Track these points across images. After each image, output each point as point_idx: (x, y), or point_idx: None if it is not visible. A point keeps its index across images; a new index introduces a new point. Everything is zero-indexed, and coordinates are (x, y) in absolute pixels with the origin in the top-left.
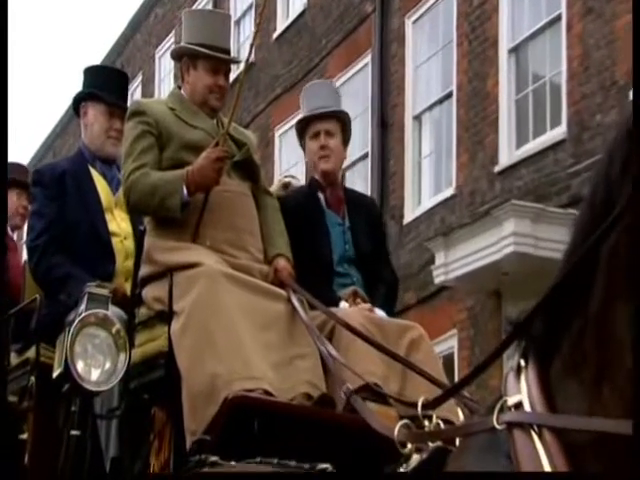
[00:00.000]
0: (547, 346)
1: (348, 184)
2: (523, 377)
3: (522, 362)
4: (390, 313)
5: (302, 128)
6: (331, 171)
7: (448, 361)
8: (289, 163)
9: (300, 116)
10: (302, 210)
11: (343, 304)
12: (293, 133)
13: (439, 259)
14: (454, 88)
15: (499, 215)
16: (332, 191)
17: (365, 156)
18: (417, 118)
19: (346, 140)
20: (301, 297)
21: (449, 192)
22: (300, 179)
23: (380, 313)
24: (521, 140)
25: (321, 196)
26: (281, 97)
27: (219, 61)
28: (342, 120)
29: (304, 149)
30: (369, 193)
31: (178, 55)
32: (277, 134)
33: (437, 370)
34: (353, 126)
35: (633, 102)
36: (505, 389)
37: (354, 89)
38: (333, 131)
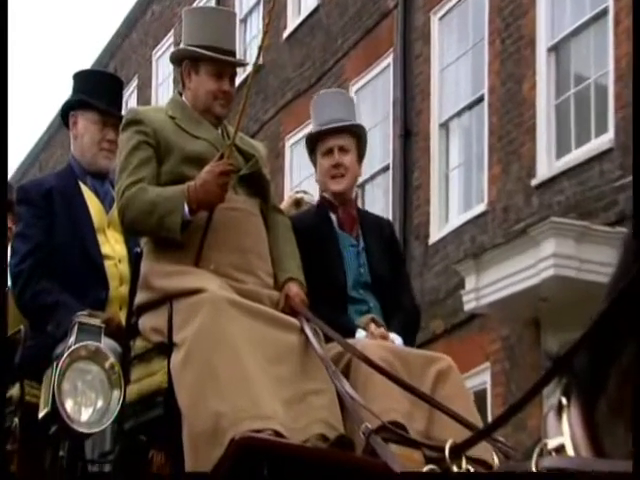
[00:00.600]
0: (592, 383)
1: (367, 199)
2: (565, 417)
3: (564, 400)
4: (409, 344)
5: (312, 143)
6: (344, 191)
7: (480, 398)
8: (302, 176)
9: (310, 130)
10: (312, 232)
11: (360, 333)
12: (304, 142)
13: (469, 283)
14: (485, 92)
15: (537, 234)
16: (345, 210)
17: (386, 168)
18: (444, 126)
19: (361, 155)
20: (315, 326)
21: (480, 208)
22: (314, 195)
23: (397, 340)
24: (562, 150)
25: (333, 216)
26: (292, 103)
27: (224, 64)
28: (357, 135)
29: (315, 165)
30: (390, 209)
31: (178, 58)
32: (288, 144)
33: (468, 407)
34: (373, 135)
35: (633, 103)
36: (545, 431)
37: (373, 94)
38: (347, 147)
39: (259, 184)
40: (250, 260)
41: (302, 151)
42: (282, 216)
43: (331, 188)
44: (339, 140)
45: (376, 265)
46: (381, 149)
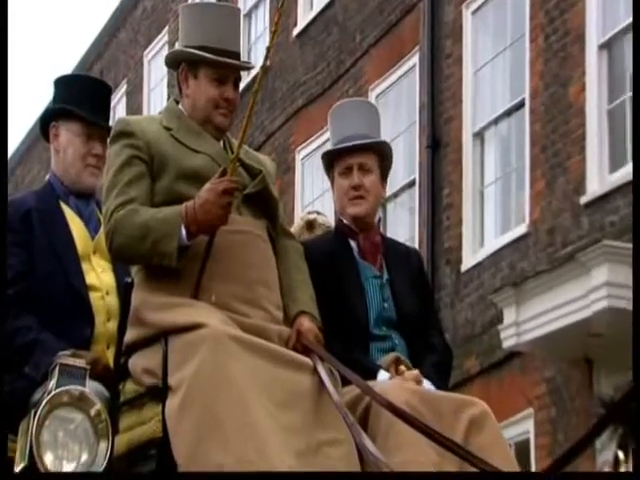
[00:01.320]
0: None
1: (390, 220)
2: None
3: (620, 455)
4: (442, 390)
5: (330, 160)
6: (364, 216)
7: (522, 450)
8: (315, 194)
9: (327, 148)
10: (329, 260)
11: (383, 375)
12: (319, 155)
13: (509, 316)
14: (527, 96)
15: (587, 260)
16: (367, 237)
17: (411, 184)
18: (478, 135)
19: (385, 175)
20: (330, 367)
21: (521, 230)
22: (328, 216)
23: (427, 386)
24: (615, 162)
25: (352, 243)
26: (303, 110)
27: (226, 68)
28: (381, 152)
29: (332, 184)
30: (416, 231)
31: (174, 61)
32: (299, 157)
33: (506, 460)
34: (396, 146)
35: (633, 102)
36: None
37: (397, 99)
38: (369, 166)
39: (266, 204)
40: (256, 291)
41: (315, 165)
42: (293, 241)
43: (349, 212)
44: (360, 158)
45: (402, 299)
46: (406, 162)
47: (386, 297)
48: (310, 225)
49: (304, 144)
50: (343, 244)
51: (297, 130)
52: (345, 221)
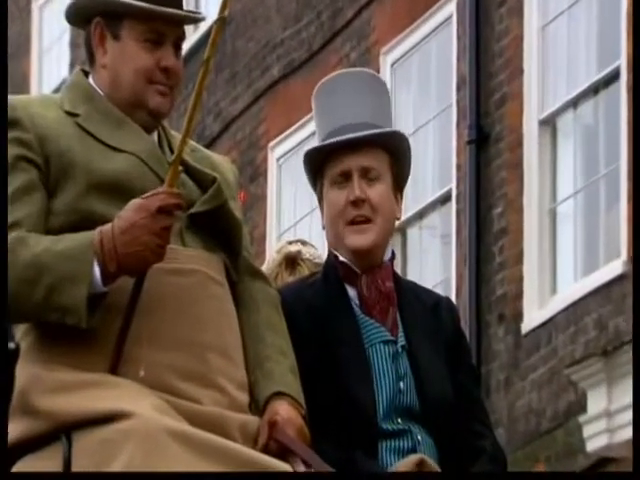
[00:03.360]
0: None
1: (412, 253)
2: None
3: None
4: None
5: (316, 163)
6: (369, 249)
7: None
8: (297, 212)
9: (314, 143)
10: (317, 316)
11: None
12: (301, 153)
13: (596, 403)
14: (622, 64)
15: None
16: (373, 280)
17: (445, 199)
18: (548, 124)
19: (401, 183)
20: (320, 474)
21: (614, 269)
22: (319, 248)
23: None
24: None
25: (351, 292)
26: (281, 85)
27: (163, 21)
28: (394, 150)
29: (320, 199)
30: (453, 270)
31: (81, 14)
32: (273, 156)
33: None
34: (422, 141)
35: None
36: None
37: (422, 69)
38: (376, 171)
39: (224, 229)
40: (209, 361)
41: (298, 169)
42: (264, 285)
43: (348, 243)
44: (362, 159)
45: (427, 377)
46: (436, 166)
47: (402, 373)
48: (291, 261)
49: (280, 137)
50: (337, 291)
51: (270, 116)
52: (340, 257)
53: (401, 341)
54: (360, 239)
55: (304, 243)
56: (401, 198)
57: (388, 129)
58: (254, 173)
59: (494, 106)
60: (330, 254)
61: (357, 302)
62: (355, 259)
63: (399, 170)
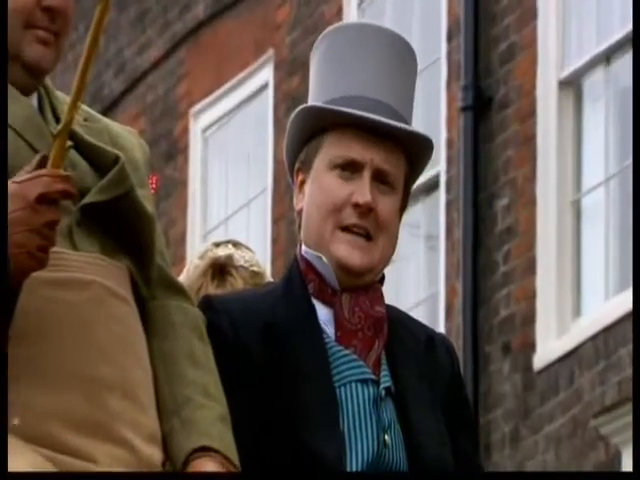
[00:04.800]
0: None
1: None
2: None
3: None
4: None
5: (317, 126)
6: (367, 270)
7: None
8: (230, 202)
9: (255, 112)
10: (270, 344)
11: None
12: (244, 121)
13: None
14: None
15: None
16: (357, 301)
17: (431, 186)
18: (570, 84)
19: (407, 201)
20: None
21: None
22: (257, 253)
23: None
24: None
25: (323, 312)
26: (206, 30)
27: None
28: (416, 157)
29: (301, 173)
30: (441, 284)
31: None
32: (197, 127)
33: None
34: None
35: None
36: None
37: (399, 9)
38: (393, 176)
39: (129, 226)
40: (106, 405)
41: (230, 142)
42: (183, 302)
43: (337, 254)
44: (382, 156)
45: (421, 434)
46: None
47: (387, 424)
48: (219, 269)
49: (207, 100)
50: (302, 309)
51: (193, 71)
52: (314, 262)
53: (385, 382)
54: (354, 256)
55: (237, 245)
56: (401, 214)
57: (423, 133)
58: (171, 150)
59: (498, 61)
60: (298, 258)
61: (330, 326)
62: (338, 273)
63: (411, 186)
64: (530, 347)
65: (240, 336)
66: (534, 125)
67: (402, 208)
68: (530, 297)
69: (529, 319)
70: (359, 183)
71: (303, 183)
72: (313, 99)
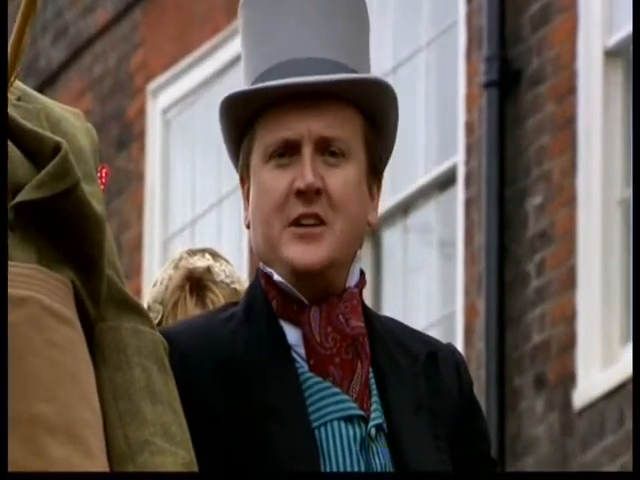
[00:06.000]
0: None
1: (389, 272)
2: None
3: None
4: None
5: (243, 119)
6: (320, 269)
7: None
8: (196, 199)
9: (236, 83)
10: (233, 379)
11: None
12: (204, 103)
13: None
14: None
15: None
16: (329, 316)
17: (446, 182)
18: (619, 55)
19: (379, 164)
20: None
21: None
22: (235, 265)
23: None
24: None
25: (292, 334)
26: None
27: None
28: (371, 108)
29: (244, 181)
30: (459, 300)
31: None
32: (155, 105)
33: None
34: (406, 82)
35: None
36: None
37: None
38: (342, 142)
39: (73, 230)
40: (44, 450)
41: (199, 126)
42: (140, 323)
43: (287, 256)
44: (320, 121)
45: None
46: (430, 127)
47: (378, 469)
48: (196, 282)
49: (168, 74)
50: (268, 334)
51: (151, 38)
52: (275, 276)
53: (376, 418)
54: (307, 253)
55: (215, 256)
56: (379, 190)
57: (366, 75)
58: (124, 135)
59: (529, 25)
60: (258, 273)
61: (302, 352)
62: (298, 282)
63: (378, 144)
64: (569, 380)
65: (192, 376)
66: (574, 105)
67: (376, 175)
68: (569, 318)
69: (568, 345)
70: (299, 164)
71: (249, 191)
72: (245, 71)
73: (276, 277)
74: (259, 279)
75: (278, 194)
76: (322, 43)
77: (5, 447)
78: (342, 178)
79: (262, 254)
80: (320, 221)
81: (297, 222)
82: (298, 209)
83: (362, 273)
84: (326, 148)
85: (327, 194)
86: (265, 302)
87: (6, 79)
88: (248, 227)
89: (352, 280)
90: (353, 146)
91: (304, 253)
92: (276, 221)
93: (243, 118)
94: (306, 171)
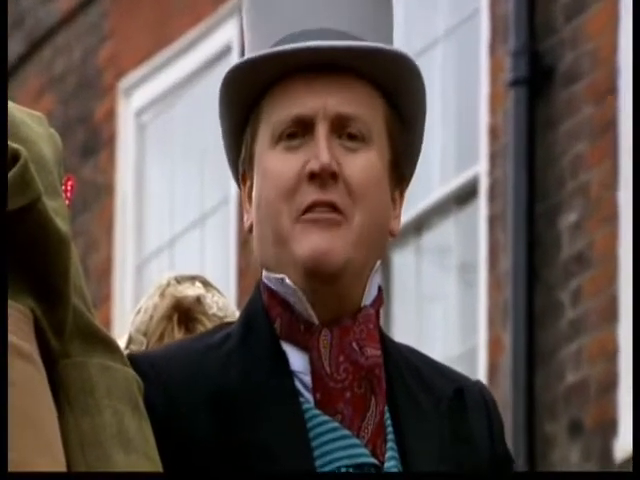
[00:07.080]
0: None
1: (400, 299)
2: None
3: None
4: None
5: (247, 97)
6: (342, 260)
7: None
8: (176, 214)
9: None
10: (226, 413)
11: None
12: (185, 104)
13: None
14: None
15: None
16: (341, 341)
17: (466, 195)
18: None
19: (404, 157)
20: None
21: None
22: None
23: None
24: None
25: (297, 360)
26: None
27: None
28: (395, 87)
29: (245, 174)
30: (482, 333)
31: None
32: (128, 105)
33: None
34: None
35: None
36: None
37: None
38: (362, 122)
39: (34, 252)
40: None
41: (177, 130)
42: (111, 360)
43: (298, 248)
44: (337, 96)
45: None
46: (449, 131)
47: None
48: (185, 313)
49: (143, 71)
50: (269, 360)
51: (122, 28)
52: (278, 289)
53: (391, 468)
54: (321, 242)
55: (206, 285)
56: (401, 199)
57: (389, 46)
58: (91, 141)
59: (563, 14)
60: (260, 286)
61: (307, 381)
62: (310, 288)
63: (403, 136)
64: (609, 426)
65: (178, 410)
66: (615, 106)
67: (395, 172)
68: (610, 355)
69: (608, 386)
70: (312, 145)
71: (251, 189)
72: (249, 46)
73: (283, 290)
74: (260, 293)
75: (287, 180)
76: (338, 13)
77: (5, 447)
78: (362, 164)
79: (268, 257)
80: (336, 210)
81: (310, 209)
82: (311, 195)
83: (380, 290)
84: (344, 129)
85: (345, 181)
86: (266, 321)
87: (6, 79)
88: (250, 231)
89: (369, 297)
90: (375, 130)
91: (318, 243)
92: (285, 212)
93: (249, 97)
94: (321, 151)
